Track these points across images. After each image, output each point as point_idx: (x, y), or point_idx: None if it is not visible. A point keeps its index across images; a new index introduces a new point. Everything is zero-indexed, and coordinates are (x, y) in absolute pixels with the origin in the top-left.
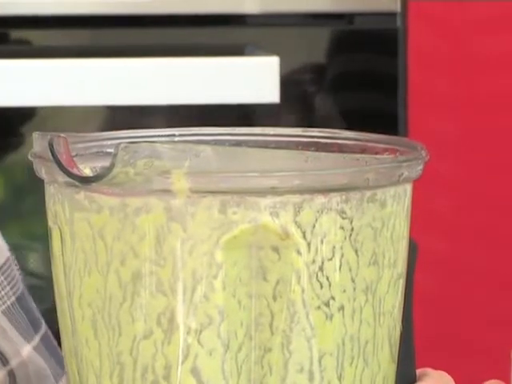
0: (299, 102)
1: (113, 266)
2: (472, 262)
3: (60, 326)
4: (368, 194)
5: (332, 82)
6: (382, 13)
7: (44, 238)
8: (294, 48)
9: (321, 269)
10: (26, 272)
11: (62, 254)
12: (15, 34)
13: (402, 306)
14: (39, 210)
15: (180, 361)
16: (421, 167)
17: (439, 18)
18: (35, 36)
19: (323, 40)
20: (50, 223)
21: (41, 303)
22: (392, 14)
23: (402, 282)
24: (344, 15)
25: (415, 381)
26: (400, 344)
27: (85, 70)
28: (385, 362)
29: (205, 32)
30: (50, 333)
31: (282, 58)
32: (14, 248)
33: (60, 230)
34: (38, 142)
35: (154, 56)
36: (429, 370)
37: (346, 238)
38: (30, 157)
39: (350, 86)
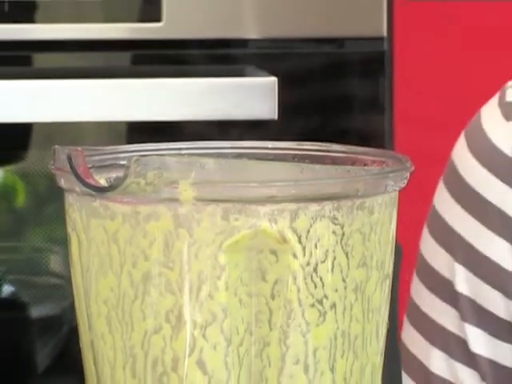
0: (296, 119)
1: (125, 267)
2: None
3: (78, 321)
4: (357, 202)
5: (324, 100)
6: (370, 37)
7: (64, 242)
8: (291, 69)
9: (315, 270)
10: (48, 272)
11: (80, 257)
12: (37, 56)
13: (388, 304)
14: (59, 216)
15: (187, 354)
16: (406, 177)
17: (424, 40)
18: (55, 58)
19: (317, 62)
20: (69, 229)
21: (61, 300)
22: (379, 39)
23: (388, 283)
24: (335, 40)
25: (400, 376)
26: (387, 339)
27: (99, 89)
28: (373, 355)
29: (212, 55)
30: None
31: (279, 78)
32: (37, 251)
33: (78, 235)
34: (57, 155)
35: (164, 77)
36: None
37: (337, 242)
38: (50, 168)
39: (341, 104)
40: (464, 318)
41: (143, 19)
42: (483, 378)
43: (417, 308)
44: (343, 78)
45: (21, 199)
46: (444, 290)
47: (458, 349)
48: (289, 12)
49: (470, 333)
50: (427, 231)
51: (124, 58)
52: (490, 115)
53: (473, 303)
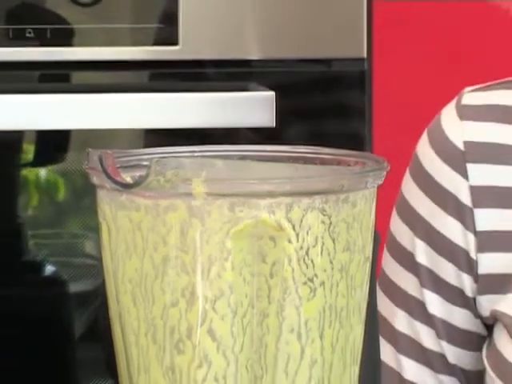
0: (291, 126)
1: (147, 251)
2: None
3: (107, 296)
4: (342, 196)
5: (315, 111)
6: (353, 58)
7: (96, 229)
8: (287, 85)
9: (307, 253)
10: (83, 255)
11: (109, 243)
12: (75, 74)
13: (368, 282)
14: (93, 208)
15: (199, 324)
16: (383, 176)
17: (398, 60)
18: (89, 76)
19: (309, 79)
20: (100, 219)
21: (94, 279)
22: (360, 59)
23: (368, 264)
24: (324, 60)
25: (378, 340)
26: (367, 311)
27: (126, 102)
28: (355, 325)
29: (220, 73)
30: None
31: (277, 92)
32: (75, 237)
33: (107, 225)
34: (90, 156)
35: (180, 92)
36: None
37: (325, 230)
38: (84, 168)
39: (328, 114)
40: (423, 284)
41: (163, 43)
42: (438, 335)
43: (386, 276)
44: (330, 92)
45: (61, 194)
46: (407, 260)
47: (418, 310)
48: (285, 38)
49: (428, 297)
50: (395, 212)
51: (147, 76)
52: (447, 116)
53: (430, 272)
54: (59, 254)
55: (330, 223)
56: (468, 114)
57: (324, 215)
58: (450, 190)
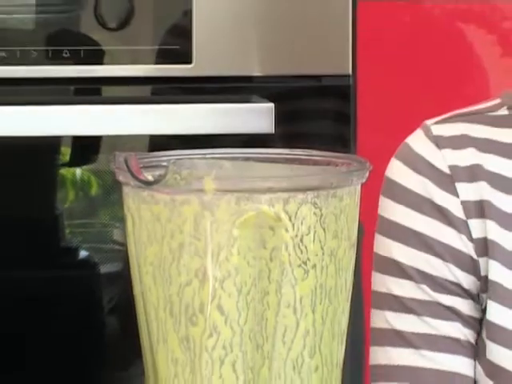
0: (287, 133)
1: (166, 239)
2: None
3: (132, 277)
4: (331, 192)
5: (307, 119)
6: (340, 75)
7: (123, 220)
8: (284, 98)
9: (301, 241)
10: (112, 241)
11: (133, 231)
12: (105, 88)
13: (353, 265)
14: (120, 201)
15: (210, 300)
16: (366, 175)
17: (379, 76)
18: (117, 89)
19: (302, 92)
20: (125, 211)
21: (121, 262)
22: (346, 76)
23: (353, 250)
24: (315, 76)
25: (362, 314)
26: (352, 289)
27: (147, 112)
28: (342, 301)
29: (228, 87)
30: None
31: (275, 104)
32: (104, 226)
33: (132, 216)
34: (117, 158)
35: (193, 103)
36: None
37: (317, 221)
38: (111, 168)
39: (319, 122)
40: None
41: (179, 62)
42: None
43: (376, 254)
44: (321, 104)
45: (93, 190)
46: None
47: (392, 269)
48: (282, 57)
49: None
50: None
51: (165, 90)
52: (421, 145)
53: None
54: (91, 240)
55: (321, 215)
56: (444, 143)
57: (316, 208)
58: (418, 192)
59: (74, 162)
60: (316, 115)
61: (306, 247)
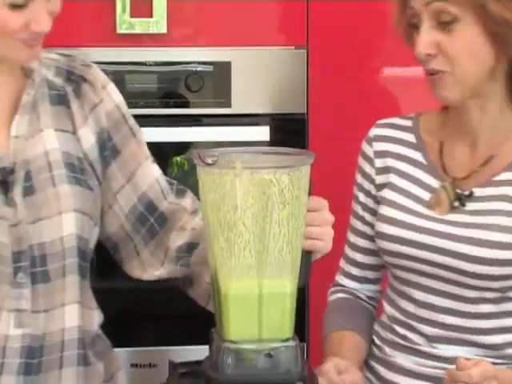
0: (277, 140)
1: (217, 192)
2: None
3: (202, 213)
4: (296, 168)
5: (285, 137)
6: (297, 113)
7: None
8: (275, 125)
9: (282, 191)
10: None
11: (202, 189)
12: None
13: (307, 202)
14: (194, 174)
15: (238, 218)
16: (312, 159)
17: (328, 115)
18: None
19: (282, 124)
20: (198, 179)
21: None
22: (302, 114)
23: (307, 196)
24: (286, 114)
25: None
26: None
27: (206, 132)
28: (301, 220)
29: (243, 119)
30: None
31: (271, 128)
32: (191, 187)
33: (202, 181)
34: (195, 153)
35: (208, 126)
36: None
37: (289, 182)
38: (192, 157)
39: (292, 137)
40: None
41: (222, 106)
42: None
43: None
44: (288, 130)
45: (185, 167)
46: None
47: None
48: (276, 102)
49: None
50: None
51: (218, 122)
52: (364, 150)
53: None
54: None
55: (291, 179)
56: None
57: (289, 175)
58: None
59: (176, 154)
60: (288, 136)
61: (284, 194)
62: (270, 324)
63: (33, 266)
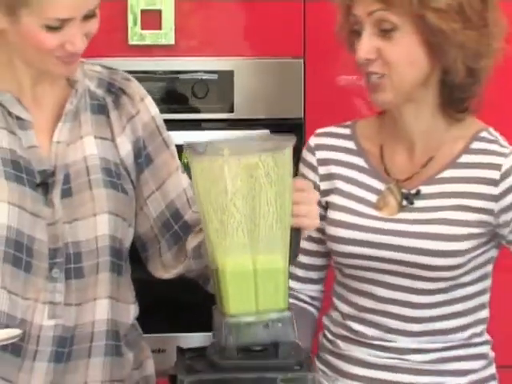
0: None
1: (208, 177)
2: None
3: (195, 198)
4: (280, 150)
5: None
6: (295, 118)
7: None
8: (273, 130)
9: (268, 173)
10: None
11: (194, 176)
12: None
13: (291, 181)
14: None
15: (229, 201)
16: (293, 143)
17: (324, 119)
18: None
19: (281, 126)
20: (190, 166)
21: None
22: (299, 118)
23: (291, 175)
24: (285, 119)
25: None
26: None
27: (210, 134)
28: (288, 200)
29: (248, 123)
30: None
31: (270, 131)
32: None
33: (193, 168)
34: (186, 144)
35: (212, 130)
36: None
37: (274, 164)
38: (184, 148)
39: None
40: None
41: (225, 112)
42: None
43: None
44: (287, 132)
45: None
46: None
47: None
48: (275, 108)
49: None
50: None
51: (223, 125)
52: (306, 158)
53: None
54: None
55: (276, 161)
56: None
57: (273, 158)
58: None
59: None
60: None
61: (270, 175)
62: (265, 297)
63: (67, 262)
